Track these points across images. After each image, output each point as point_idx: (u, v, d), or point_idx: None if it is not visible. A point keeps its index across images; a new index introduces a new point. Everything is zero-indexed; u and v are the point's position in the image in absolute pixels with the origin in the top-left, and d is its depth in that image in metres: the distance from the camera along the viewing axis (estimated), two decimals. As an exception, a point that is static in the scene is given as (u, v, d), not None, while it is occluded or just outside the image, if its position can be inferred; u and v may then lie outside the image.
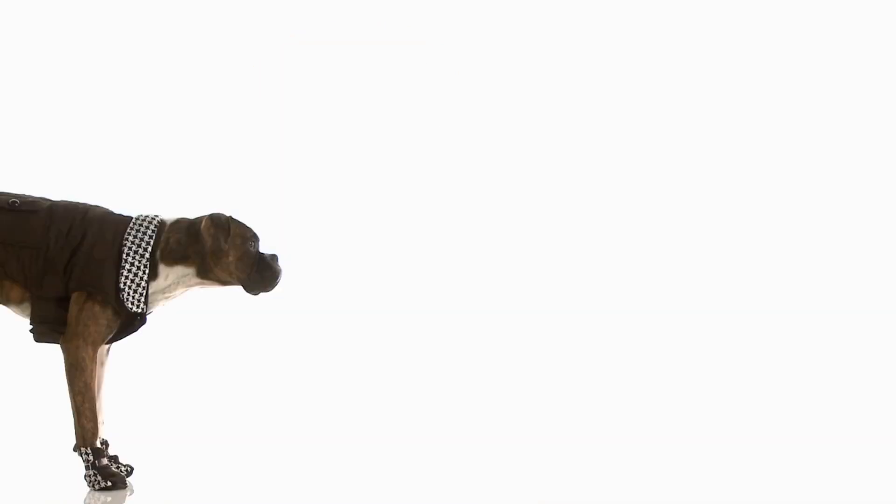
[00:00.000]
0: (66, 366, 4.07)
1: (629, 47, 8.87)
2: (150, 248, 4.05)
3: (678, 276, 8.77)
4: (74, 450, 4.13)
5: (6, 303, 4.14)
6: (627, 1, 8.83)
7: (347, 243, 8.73)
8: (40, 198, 4.16)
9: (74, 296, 4.05)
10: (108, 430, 4.29)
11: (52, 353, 4.18)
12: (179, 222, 4.12)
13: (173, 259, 4.08)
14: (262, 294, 4.16)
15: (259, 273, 4.11)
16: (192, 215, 4.16)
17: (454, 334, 7.99)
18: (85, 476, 4.10)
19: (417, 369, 6.84)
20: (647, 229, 8.86)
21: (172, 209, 4.27)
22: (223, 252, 4.07)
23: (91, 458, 4.09)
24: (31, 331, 4.12)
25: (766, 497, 3.99)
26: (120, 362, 4.48)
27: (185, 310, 4.73)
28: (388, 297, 8.63)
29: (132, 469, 4.27)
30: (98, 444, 4.10)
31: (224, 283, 4.12)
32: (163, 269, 4.09)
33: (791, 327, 8.20)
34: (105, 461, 4.10)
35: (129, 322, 4.10)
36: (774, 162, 8.92)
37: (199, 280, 4.11)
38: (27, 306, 4.11)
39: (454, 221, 8.80)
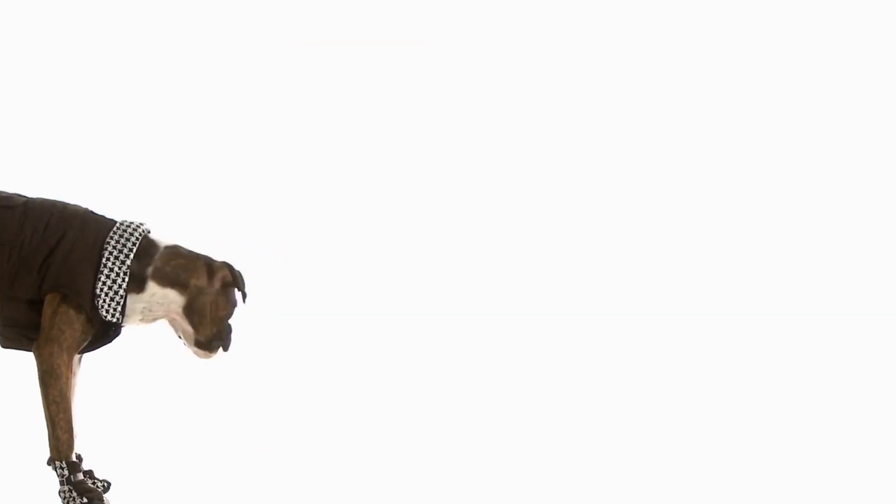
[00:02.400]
0: (39, 373, 3.94)
1: (630, 47, 8.97)
2: (131, 256, 3.93)
3: (678, 279, 8.82)
4: (48, 463, 4.01)
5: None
6: (627, 1, 8.87)
7: (347, 245, 8.78)
8: (15, 194, 4.04)
9: (48, 297, 3.92)
10: (83, 443, 4.26)
11: (24, 358, 4.05)
12: (179, 250, 4.00)
13: (168, 281, 3.98)
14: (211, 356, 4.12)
15: (220, 339, 4.07)
16: (180, 240, 4.04)
17: (453, 337, 8.07)
18: (59, 492, 3.99)
19: (416, 372, 6.86)
20: (646, 231, 8.93)
21: (168, 209, 4.15)
22: (219, 306, 3.99)
23: (66, 472, 3.97)
24: (-3, 335, 3.98)
25: (765, 499, 4.01)
26: (94, 371, 4.38)
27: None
28: (387, 299, 8.69)
29: (109, 485, 4.15)
30: (73, 458, 3.99)
31: (189, 326, 4.01)
32: (151, 286, 3.97)
33: (790, 330, 8.37)
34: (81, 476, 3.99)
35: (104, 332, 4.00)
36: (774, 164, 8.98)
37: (178, 312, 4.01)
38: (-5, 308, 3.96)
39: (454, 222, 8.86)
